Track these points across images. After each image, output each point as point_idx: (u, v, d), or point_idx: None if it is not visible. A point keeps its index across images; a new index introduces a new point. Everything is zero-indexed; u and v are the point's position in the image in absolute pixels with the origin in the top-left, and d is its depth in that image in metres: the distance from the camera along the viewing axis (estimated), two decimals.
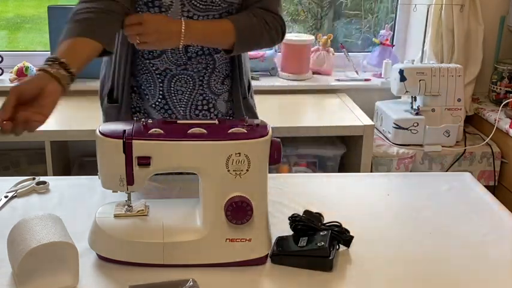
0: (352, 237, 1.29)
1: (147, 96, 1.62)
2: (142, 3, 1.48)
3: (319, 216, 1.33)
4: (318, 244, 1.22)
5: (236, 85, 1.66)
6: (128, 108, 1.62)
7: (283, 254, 1.24)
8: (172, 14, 1.49)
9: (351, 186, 1.66)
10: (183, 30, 1.42)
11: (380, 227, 1.43)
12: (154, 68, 1.59)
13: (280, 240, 1.28)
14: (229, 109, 1.68)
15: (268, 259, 1.26)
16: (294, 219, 1.30)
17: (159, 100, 1.61)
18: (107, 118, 1.65)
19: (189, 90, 1.61)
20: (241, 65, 1.64)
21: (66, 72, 1.22)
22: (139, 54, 1.58)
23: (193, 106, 1.63)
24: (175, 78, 1.59)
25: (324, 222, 1.32)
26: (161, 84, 1.60)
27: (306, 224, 1.28)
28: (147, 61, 1.59)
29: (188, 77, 1.60)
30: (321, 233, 1.25)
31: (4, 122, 1.13)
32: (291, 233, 1.30)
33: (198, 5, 1.49)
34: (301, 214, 1.33)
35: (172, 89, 1.60)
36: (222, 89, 1.65)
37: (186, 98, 1.62)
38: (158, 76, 1.59)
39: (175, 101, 1.62)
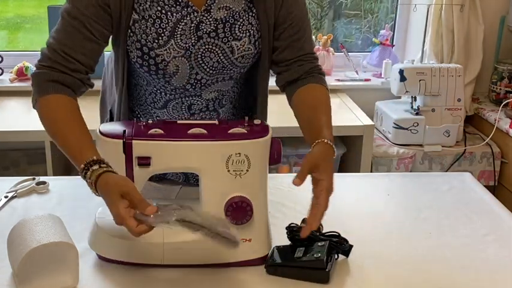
0: (351, 246, 1.27)
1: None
2: (143, 71, 1.37)
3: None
4: (315, 255, 1.20)
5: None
6: None
7: (279, 264, 1.22)
8: (178, 79, 1.38)
9: (351, 186, 1.66)
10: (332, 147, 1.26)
11: (380, 227, 1.43)
12: (155, 115, 1.50)
13: (277, 250, 1.25)
14: None
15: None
16: (291, 230, 1.27)
17: None
18: None
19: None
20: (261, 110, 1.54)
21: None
22: (143, 98, 1.48)
23: None
24: None
25: (323, 231, 1.29)
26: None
27: None
28: (149, 107, 1.49)
29: None
30: (319, 244, 1.23)
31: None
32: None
33: (207, 69, 1.38)
34: (301, 216, 1.32)
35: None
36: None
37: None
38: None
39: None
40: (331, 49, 3.10)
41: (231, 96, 1.51)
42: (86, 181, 1.14)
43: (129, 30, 1.34)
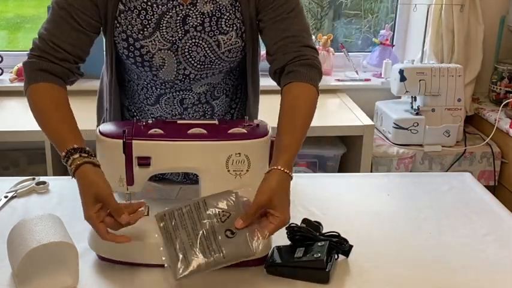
0: (351, 246, 1.27)
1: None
2: (130, 63, 1.38)
3: (318, 225, 1.31)
4: (315, 255, 1.20)
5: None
6: None
7: (279, 264, 1.22)
8: (164, 72, 1.39)
9: (351, 187, 1.66)
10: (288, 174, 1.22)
11: (380, 227, 1.43)
12: (149, 112, 1.50)
13: (277, 250, 1.26)
14: None
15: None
16: (291, 230, 1.27)
17: None
18: None
19: None
20: (251, 106, 1.53)
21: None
22: (135, 95, 1.50)
23: None
24: None
25: (323, 231, 1.29)
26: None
27: (304, 234, 1.26)
28: (143, 104, 1.50)
29: None
30: (319, 244, 1.23)
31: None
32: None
33: (195, 64, 1.38)
34: (301, 216, 1.32)
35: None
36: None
37: None
38: (154, 119, 1.47)
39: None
40: (331, 49, 3.10)
41: (224, 88, 1.50)
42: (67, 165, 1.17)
43: (116, 21, 1.35)
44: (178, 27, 1.35)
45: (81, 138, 1.20)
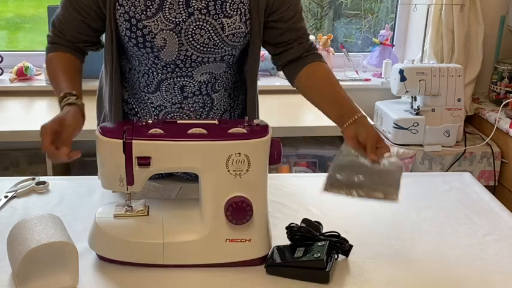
0: (351, 246, 1.27)
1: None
2: (132, 45, 1.41)
3: (318, 225, 1.31)
4: (315, 255, 1.20)
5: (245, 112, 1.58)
6: None
7: (279, 264, 1.22)
8: (166, 53, 1.41)
9: None
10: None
11: (380, 227, 1.43)
12: (149, 101, 1.52)
13: (277, 250, 1.26)
14: None
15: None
16: (291, 229, 1.27)
17: None
18: None
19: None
20: (252, 104, 1.56)
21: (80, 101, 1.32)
22: (136, 85, 1.52)
23: None
24: (170, 115, 1.52)
25: (323, 231, 1.29)
26: (156, 118, 1.53)
27: (304, 234, 1.26)
28: (143, 93, 1.52)
29: (184, 115, 1.52)
30: (319, 244, 1.23)
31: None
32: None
33: (198, 46, 1.41)
34: (300, 216, 1.32)
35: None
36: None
37: None
38: (153, 109, 1.53)
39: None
40: (331, 49, 3.10)
41: (225, 82, 1.53)
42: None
43: (117, 3, 1.39)
44: (181, 8, 1.38)
45: (77, 86, 1.36)
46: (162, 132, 1.19)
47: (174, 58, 1.43)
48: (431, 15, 2.91)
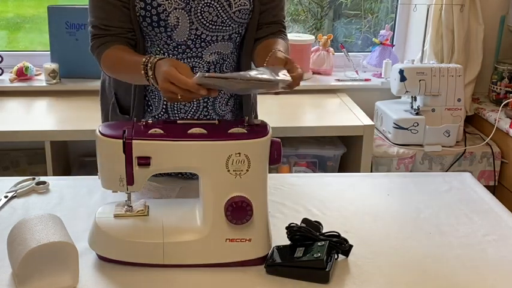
0: (351, 246, 1.27)
1: (150, 108, 1.59)
2: (146, 24, 1.46)
3: (318, 225, 1.31)
4: (315, 255, 1.20)
5: (241, 105, 1.63)
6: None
7: (279, 264, 1.22)
8: (178, 33, 1.47)
9: (351, 186, 1.66)
10: None
11: (380, 227, 1.43)
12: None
13: (277, 250, 1.26)
14: None
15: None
16: (291, 229, 1.27)
17: (162, 113, 1.58)
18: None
19: (192, 110, 1.57)
20: None
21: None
22: None
23: None
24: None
25: (323, 231, 1.29)
26: (165, 100, 1.57)
27: (304, 234, 1.26)
28: None
29: (193, 99, 1.53)
30: (319, 244, 1.23)
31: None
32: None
33: (207, 24, 1.47)
34: (300, 216, 1.32)
35: (175, 107, 1.57)
36: (226, 110, 1.61)
37: (188, 117, 1.58)
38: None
39: (177, 118, 1.58)
40: (331, 49, 3.10)
41: (232, 65, 1.58)
42: (147, 73, 1.33)
43: None
44: None
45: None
46: (162, 132, 1.19)
47: (185, 38, 1.48)
48: (431, 15, 2.91)
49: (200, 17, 1.46)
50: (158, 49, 1.51)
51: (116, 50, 1.46)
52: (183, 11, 1.45)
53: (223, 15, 1.47)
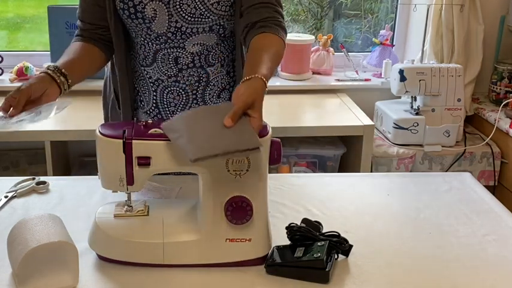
0: (351, 246, 1.27)
1: (142, 103, 1.61)
2: (126, 16, 1.50)
3: (318, 225, 1.31)
4: (315, 255, 1.19)
5: None
6: (128, 114, 1.62)
7: (279, 264, 1.22)
8: (157, 25, 1.49)
9: (351, 186, 1.66)
10: (266, 84, 1.32)
11: (380, 227, 1.43)
12: (148, 76, 1.59)
13: (277, 250, 1.26)
14: None
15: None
16: (291, 229, 1.27)
17: (152, 108, 1.61)
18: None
19: (181, 103, 1.59)
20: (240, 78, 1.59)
21: (66, 79, 1.39)
22: (136, 59, 1.60)
23: None
24: (167, 90, 1.59)
25: (323, 231, 1.29)
26: (154, 93, 1.59)
27: (304, 234, 1.26)
28: (142, 68, 1.59)
29: (181, 90, 1.58)
30: (319, 243, 1.23)
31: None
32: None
33: (186, 16, 1.49)
34: (300, 216, 1.32)
35: (165, 100, 1.60)
36: (218, 102, 1.62)
37: (178, 111, 1.60)
38: (152, 84, 1.60)
39: (168, 112, 1.61)
40: (331, 49, 3.10)
41: (219, 56, 1.58)
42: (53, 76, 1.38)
43: None
44: None
45: (66, 64, 1.42)
46: (162, 132, 1.19)
47: (164, 30, 1.50)
48: (431, 15, 2.91)
49: (179, 9, 1.48)
50: (142, 39, 1.54)
51: (69, 48, 1.52)
52: (160, 3, 1.47)
53: (201, 7, 1.48)
